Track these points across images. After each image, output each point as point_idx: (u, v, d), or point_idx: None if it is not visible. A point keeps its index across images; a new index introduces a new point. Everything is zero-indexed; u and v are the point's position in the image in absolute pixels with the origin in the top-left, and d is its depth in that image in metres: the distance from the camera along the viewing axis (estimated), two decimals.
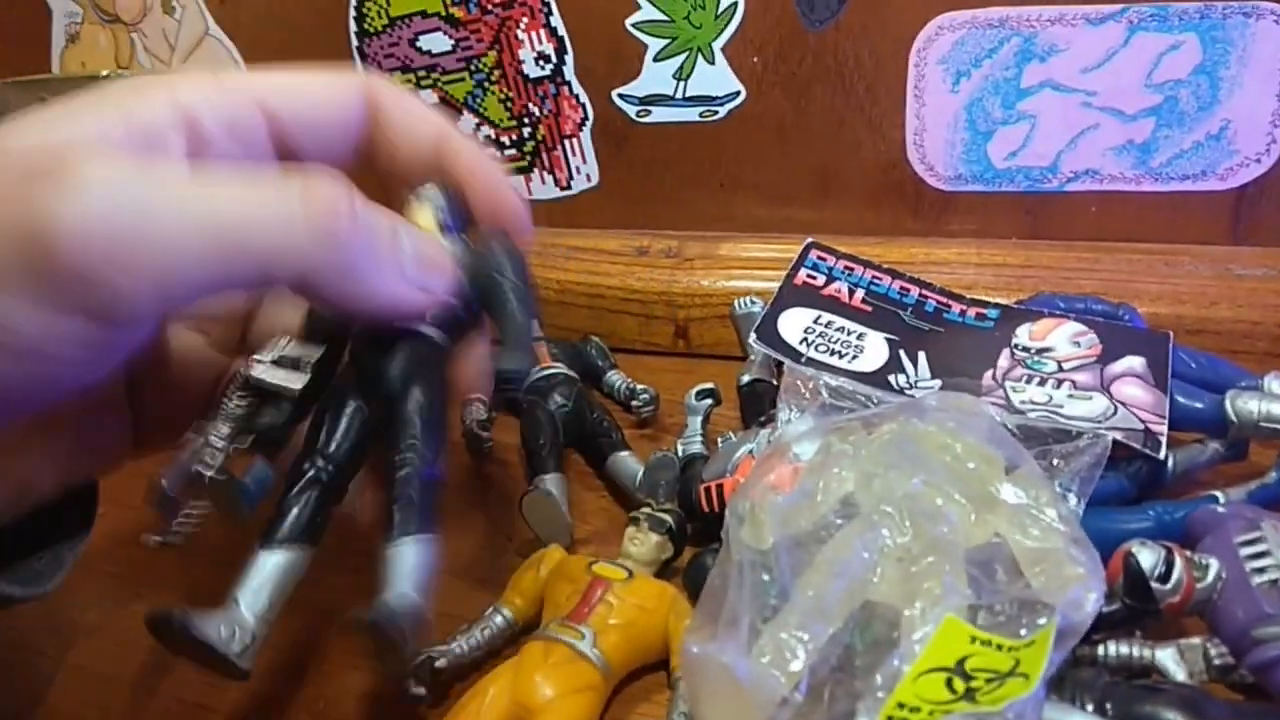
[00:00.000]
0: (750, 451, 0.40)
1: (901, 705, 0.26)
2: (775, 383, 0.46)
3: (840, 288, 0.46)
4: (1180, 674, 0.30)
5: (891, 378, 0.41)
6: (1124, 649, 0.31)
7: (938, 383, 0.41)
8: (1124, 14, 0.48)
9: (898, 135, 0.53)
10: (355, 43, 0.59)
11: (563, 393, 0.48)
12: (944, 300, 0.46)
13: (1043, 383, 0.40)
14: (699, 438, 0.45)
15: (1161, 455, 0.37)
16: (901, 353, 0.42)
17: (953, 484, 0.32)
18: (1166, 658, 0.30)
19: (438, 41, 0.58)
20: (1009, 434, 0.34)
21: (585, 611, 0.34)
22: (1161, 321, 0.48)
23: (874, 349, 0.42)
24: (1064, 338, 0.43)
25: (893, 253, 0.53)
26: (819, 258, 0.47)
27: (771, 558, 0.31)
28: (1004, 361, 0.42)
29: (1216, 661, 0.30)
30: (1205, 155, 0.50)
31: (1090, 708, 0.27)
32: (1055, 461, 0.35)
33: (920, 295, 0.46)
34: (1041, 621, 0.27)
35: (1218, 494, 0.38)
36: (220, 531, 0.43)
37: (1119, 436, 0.36)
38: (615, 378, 0.51)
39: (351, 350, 0.33)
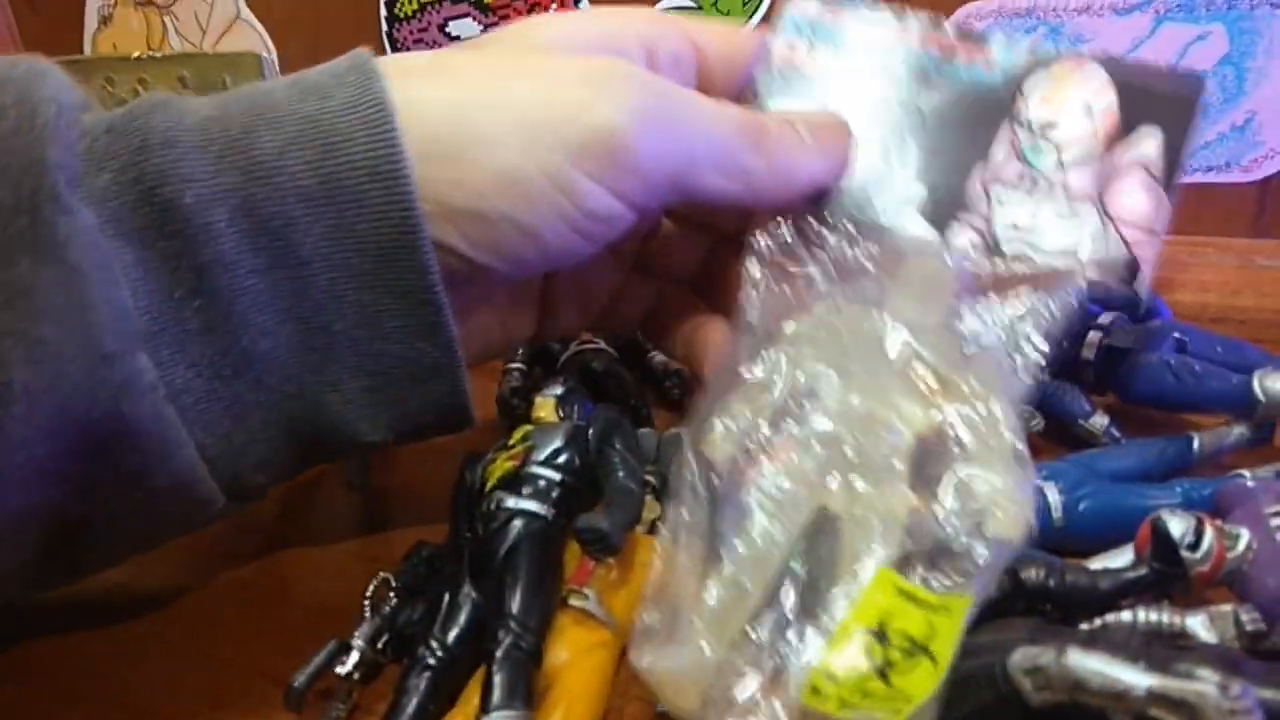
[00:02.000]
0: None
1: (826, 674, 0.27)
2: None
3: (826, 53, 0.39)
4: (1211, 640, 0.30)
5: (876, 198, 0.37)
6: (1153, 616, 0.31)
7: (923, 192, 0.37)
8: (1151, 4, 0.49)
9: None
10: (385, 28, 0.60)
11: (596, 367, 0.49)
12: (948, 45, 0.39)
13: (1032, 188, 0.37)
14: None
15: (1142, 295, 0.36)
16: (890, 149, 0.38)
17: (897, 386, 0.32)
18: (1197, 624, 0.30)
19: (467, 27, 0.58)
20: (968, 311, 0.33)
21: (585, 574, 0.34)
22: (1185, 310, 0.48)
23: (859, 151, 0.37)
24: (1078, 104, 0.37)
25: None
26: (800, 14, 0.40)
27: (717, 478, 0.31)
28: (999, 152, 0.37)
29: (1248, 628, 0.30)
30: (1230, 147, 0.51)
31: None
32: (1024, 302, 0.34)
33: (922, 41, 0.39)
34: (961, 581, 0.28)
35: (1244, 473, 0.38)
36: None
37: (1095, 276, 0.35)
38: (654, 356, 0.52)
39: (466, 533, 0.35)
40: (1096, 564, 0.34)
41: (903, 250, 0.34)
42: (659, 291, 0.39)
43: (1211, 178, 0.52)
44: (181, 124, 0.28)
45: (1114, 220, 0.36)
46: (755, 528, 0.30)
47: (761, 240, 0.35)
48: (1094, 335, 0.44)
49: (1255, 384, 0.38)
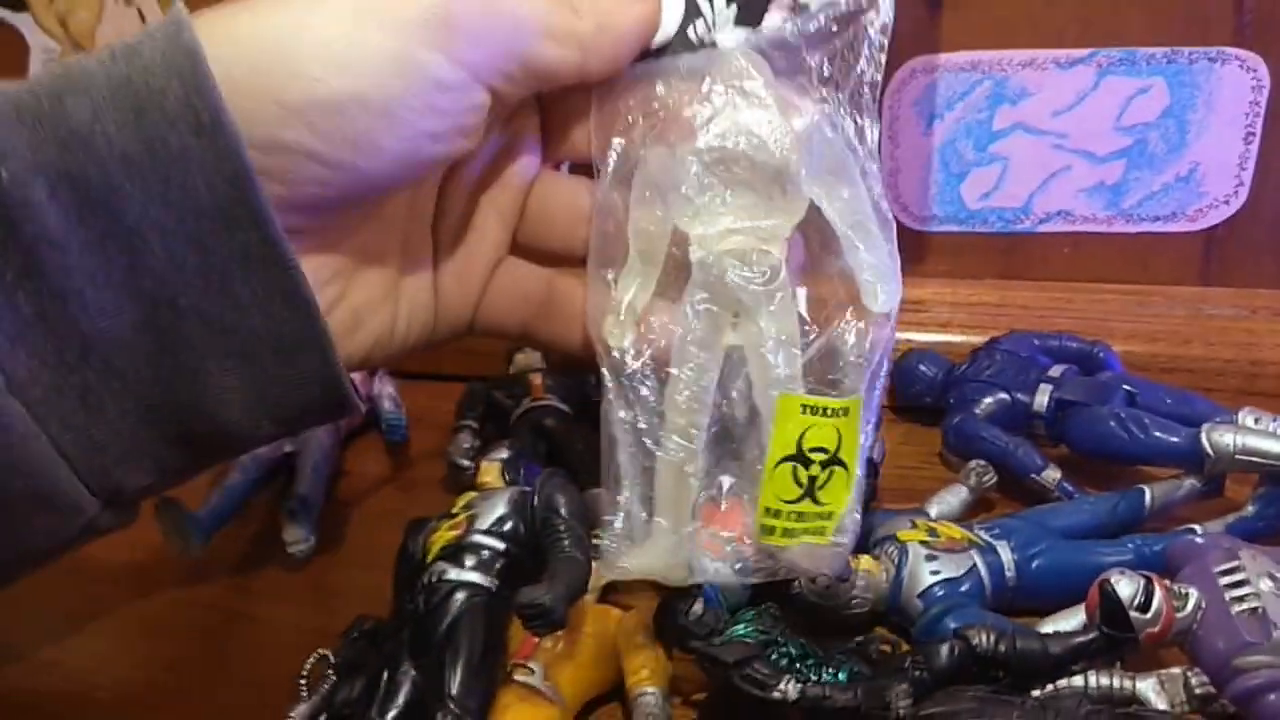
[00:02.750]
0: (712, 497, 0.39)
1: (768, 510, 0.31)
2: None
3: None
4: (1161, 704, 0.30)
5: (690, 30, 0.36)
6: (1105, 680, 0.30)
7: (733, 10, 0.36)
8: (1093, 58, 0.49)
9: None
10: None
11: (550, 425, 0.49)
12: None
13: None
14: None
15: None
16: None
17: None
18: (1147, 688, 0.30)
19: None
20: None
21: (531, 647, 0.33)
22: (1136, 360, 0.49)
23: (670, 6, 0.37)
24: None
25: None
26: None
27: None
28: None
29: (1198, 691, 0.29)
30: (1175, 197, 0.51)
31: None
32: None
33: None
34: (854, 375, 0.31)
35: (1196, 527, 0.38)
36: (170, 563, 0.43)
37: None
38: None
39: (409, 605, 0.34)
40: (1049, 626, 0.34)
41: (715, 65, 0.34)
42: (549, 283, 0.37)
43: (1158, 227, 0.52)
44: None
45: None
46: (679, 395, 0.32)
47: (605, 109, 0.35)
48: (1045, 388, 0.44)
49: (1203, 438, 0.38)
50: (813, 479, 0.31)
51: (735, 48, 0.34)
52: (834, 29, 0.33)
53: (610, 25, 0.33)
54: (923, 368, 0.49)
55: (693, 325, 0.32)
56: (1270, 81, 0.48)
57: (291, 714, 0.32)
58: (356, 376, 0.55)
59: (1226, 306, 0.51)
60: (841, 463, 0.31)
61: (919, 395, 0.49)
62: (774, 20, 0.34)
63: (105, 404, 0.27)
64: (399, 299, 0.34)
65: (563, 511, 0.34)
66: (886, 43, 0.33)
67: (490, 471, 0.37)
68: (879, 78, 0.33)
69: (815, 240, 0.33)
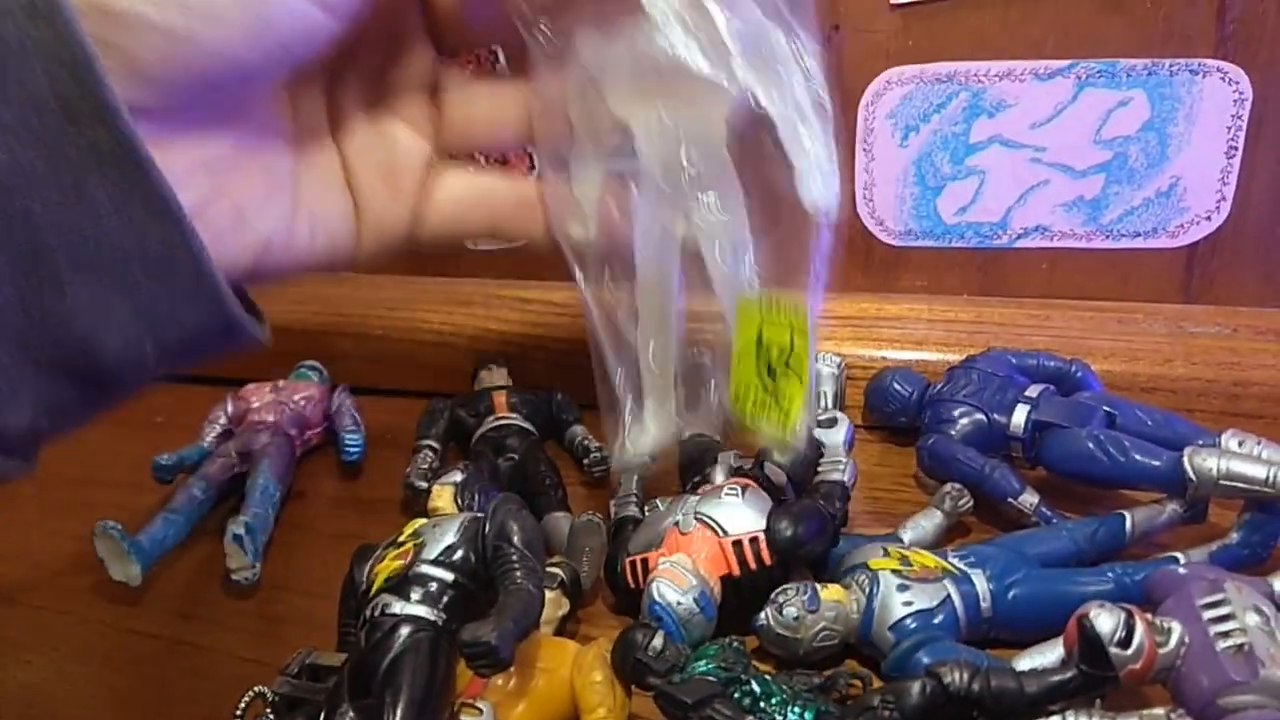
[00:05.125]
0: (676, 524, 0.38)
1: (738, 386, 0.36)
2: (718, 439, 0.44)
3: None
4: None
5: None
6: None
7: None
8: (1072, 70, 0.48)
9: (847, 190, 0.53)
10: None
11: (513, 444, 0.48)
12: None
13: None
14: (633, 499, 0.43)
15: None
16: None
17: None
18: None
19: None
20: None
21: (480, 685, 0.31)
22: (1116, 379, 0.47)
23: None
24: None
25: (843, 308, 0.52)
26: None
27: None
28: None
29: None
30: (1155, 212, 0.50)
31: None
32: None
33: None
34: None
35: (1178, 555, 0.37)
36: (111, 590, 0.41)
37: None
38: (577, 432, 0.50)
39: (349, 641, 0.32)
40: (1026, 659, 0.33)
41: None
42: (510, 182, 0.37)
43: (1138, 244, 0.51)
44: None
45: None
46: (645, 286, 0.35)
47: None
48: (1022, 408, 0.43)
49: (1185, 462, 0.37)
50: (772, 368, 0.35)
51: None
52: None
53: None
54: (898, 386, 0.47)
55: (647, 218, 0.33)
56: (1253, 94, 0.47)
57: None
58: (315, 392, 0.53)
59: (1209, 325, 0.50)
60: (793, 369, 0.34)
61: (894, 415, 0.48)
62: None
63: None
64: (298, 200, 0.32)
65: (515, 540, 0.32)
66: None
67: (442, 496, 0.35)
68: None
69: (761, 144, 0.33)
